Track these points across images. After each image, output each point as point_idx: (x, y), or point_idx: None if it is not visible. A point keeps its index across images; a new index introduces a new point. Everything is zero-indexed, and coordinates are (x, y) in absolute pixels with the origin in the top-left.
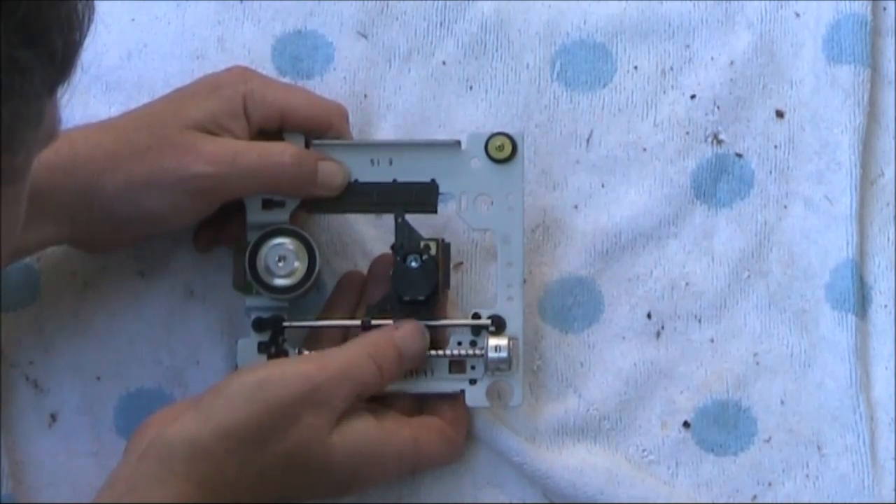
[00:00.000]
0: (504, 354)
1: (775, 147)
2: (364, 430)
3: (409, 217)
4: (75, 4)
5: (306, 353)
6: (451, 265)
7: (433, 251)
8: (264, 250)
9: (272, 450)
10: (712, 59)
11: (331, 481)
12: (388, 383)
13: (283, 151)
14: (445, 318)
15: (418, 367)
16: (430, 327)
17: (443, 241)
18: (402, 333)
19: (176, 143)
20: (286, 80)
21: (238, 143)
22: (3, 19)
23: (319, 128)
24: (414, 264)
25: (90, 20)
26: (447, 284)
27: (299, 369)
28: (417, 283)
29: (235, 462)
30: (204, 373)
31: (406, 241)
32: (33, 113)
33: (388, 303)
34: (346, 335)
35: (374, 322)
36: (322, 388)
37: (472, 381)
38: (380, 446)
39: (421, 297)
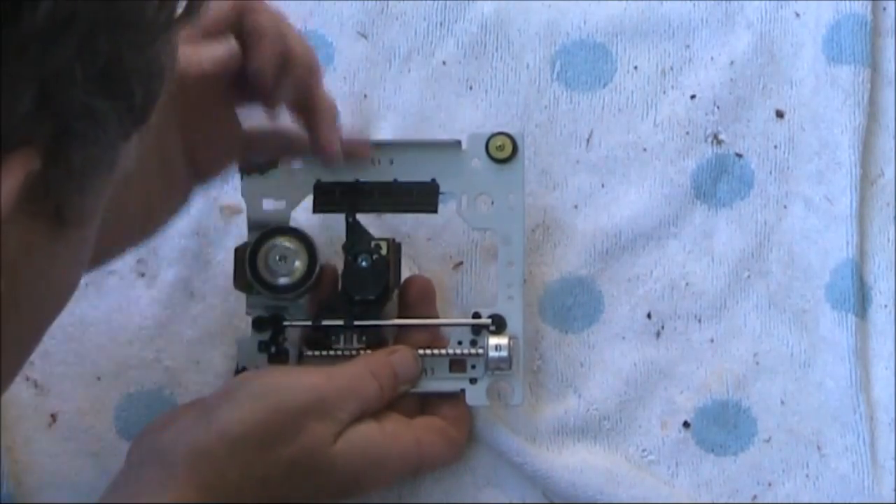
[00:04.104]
0: (504, 353)
1: (775, 147)
2: (367, 435)
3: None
4: (158, 53)
5: (307, 353)
6: (451, 265)
7: (384, 251)
8: (265, 249)
9: (276, 455)
10: (712, 59)
11: (334, 486)
12: (386, 402)
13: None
14: (394, 318)
15: (412, 389)
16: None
17: (393, 240)
18: (398, 357)
19: None
20: None
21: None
22: (82, 68)
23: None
24: (364, 264)
25: (172, 68)
26: (397, 284)
27: (308, 380)
28: (367, 283)
29: (238, 466)
30: (204, 373)
31: (357, 240)
32: (106, 159)
33: (338, 302)
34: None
35: (324, 323)
36: (329, 399)
37: (473, 381)
38: (383, 451)
39: (371, 297)
